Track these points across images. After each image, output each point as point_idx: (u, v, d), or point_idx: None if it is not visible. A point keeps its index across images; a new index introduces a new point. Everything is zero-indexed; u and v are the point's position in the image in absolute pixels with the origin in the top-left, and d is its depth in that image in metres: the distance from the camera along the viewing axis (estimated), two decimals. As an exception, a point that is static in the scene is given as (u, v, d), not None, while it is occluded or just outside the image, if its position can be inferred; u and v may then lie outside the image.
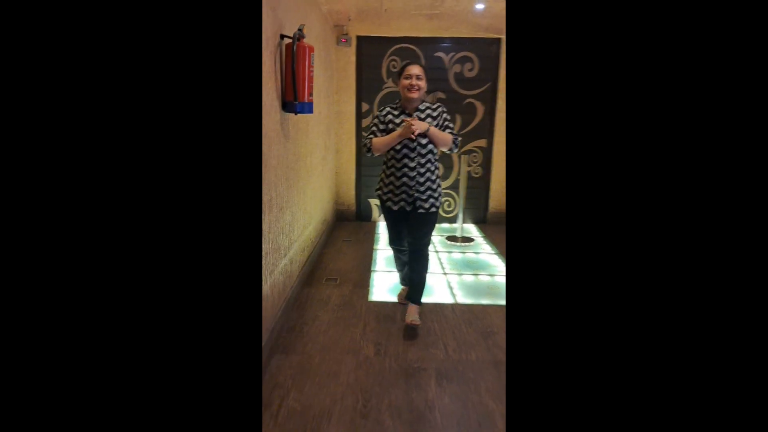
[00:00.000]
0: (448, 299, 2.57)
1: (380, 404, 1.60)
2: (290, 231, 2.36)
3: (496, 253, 3.46)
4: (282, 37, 1.96)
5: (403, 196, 2.12)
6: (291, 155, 2.27)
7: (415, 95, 2.04)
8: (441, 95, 4.10)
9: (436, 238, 3.84)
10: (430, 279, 2.40)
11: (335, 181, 4.29)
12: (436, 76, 4.02)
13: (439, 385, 1.73)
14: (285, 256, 2.25)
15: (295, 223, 2.46)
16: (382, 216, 2.40)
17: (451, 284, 2.81)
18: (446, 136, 2.09)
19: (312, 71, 2.02)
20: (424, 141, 2.06)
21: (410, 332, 2.16)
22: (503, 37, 3.94)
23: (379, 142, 2.09)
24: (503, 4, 3.03)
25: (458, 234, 3.85)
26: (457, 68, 4.07)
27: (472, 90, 4.12)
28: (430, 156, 2.10)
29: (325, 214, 3.69)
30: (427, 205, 2.12)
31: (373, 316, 2.33)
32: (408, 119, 2.01)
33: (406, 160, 2.09)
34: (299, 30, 1.94)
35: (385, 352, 1.97)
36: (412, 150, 2.07)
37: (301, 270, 2.68)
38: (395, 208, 2.16)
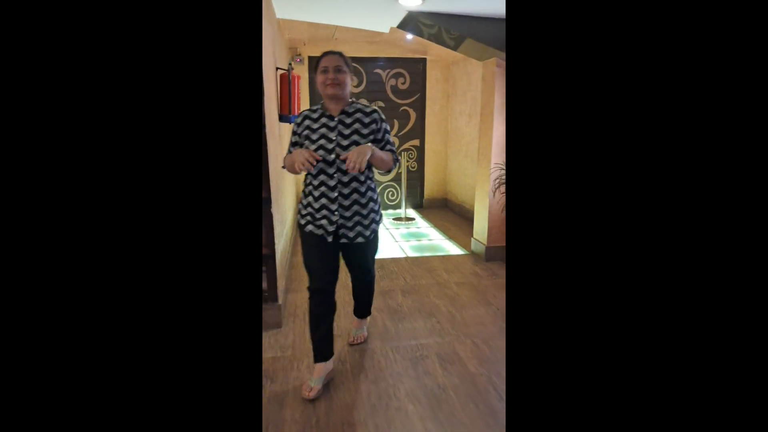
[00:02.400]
0: (401, 255, 3.49)
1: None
2: (280, 227, 2.73)
3: (431, 227, 4.45)
4: (277, 69, 2.76)
5: (324, 222, 1.60)
6: (282, 154, 3.06)
7: (336, 91, 1.54)
8: (381, 104, 5.04)
9: (386, 220, 4.77)
10: (386, 249, 3.15)
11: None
12: (375, 89, 4.97)
13: (404, 296, 2.64)
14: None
15: (282, 221, 3.06)
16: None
17: (402, 247, 3.73)
18: (385, 157, 1.56)
19: (299, 92, 2.84)
20: (345, 154, 1.51)
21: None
22: (428, 57, 4.98)
23: (288, 161, 1.60)
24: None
25: (402, 215, 4.81)
26: (392, 82, 5.04)
27: (406, 99, 5.11)
28: (354, 173, 1.53)
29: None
30: (351, 235, 1.62)
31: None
32: (343, 155, 1.51)
33: (323, 177, 1.56)
34: (290, 65, 2.76)
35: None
36: (330, 164, 1.54)
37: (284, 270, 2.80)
38: (318, 233, 1.63)
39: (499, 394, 1.69)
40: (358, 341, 2.06)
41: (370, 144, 1.54)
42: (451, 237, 4.02)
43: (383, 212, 5.19)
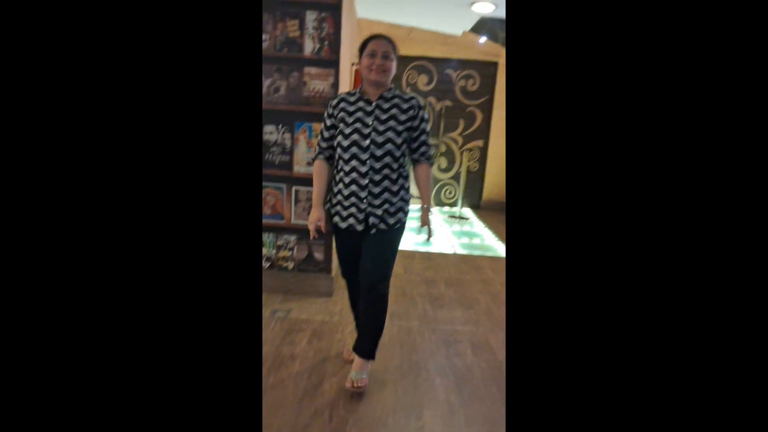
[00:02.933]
0: (450, 251, 3.61)
1: (413, 292, 2.63)
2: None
3: (486, 227, 4.50)
4: (353, 64, 3.00)
5: (353, 210, 1.56)
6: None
7: (381, 78, 1.49)
8: (448, 103, 5.15)
9: (439, 217, 4.89)
10: (435, 244, 3.30)
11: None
12: (445, 88, 5.09)
13: (446, 287, 2.77)
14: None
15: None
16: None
17: (452, 244, 3.85)
18: (427, 183, 1.61)
19: (370, 86, 3.06)
20: (380, 139, 1.50)
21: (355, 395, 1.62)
22: (500, 60, 5.00)
23: (314, 171, 1.63)
24: (502, 37, 4.07)
25: (457, 214, 4.90)
26: (462, 83, 5.13)
27: (473, 101, 5.18)
28: (387, 159, 1.52)
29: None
30: (380, 224, 1.56)
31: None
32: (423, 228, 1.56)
33: (355, 163, 1.53)
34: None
35: (408, 269, 3.01)
36: (364, 150, 1.51)
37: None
38: (343, 225, 1.59)
39: (522, 383, 1.79)
40: (358, 385, 1.59)
41: (424, 209, 1.63)
42: (503, 239, 4.07)
43: (437, 208, 5.31)
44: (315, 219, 1.59)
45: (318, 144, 1.63)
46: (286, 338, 2.01)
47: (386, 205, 1.56)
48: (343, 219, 1.59)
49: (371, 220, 1.56)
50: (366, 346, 1.66)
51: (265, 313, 2.24)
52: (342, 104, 1.57)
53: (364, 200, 1.55)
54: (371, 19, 3.58)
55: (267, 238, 2.44)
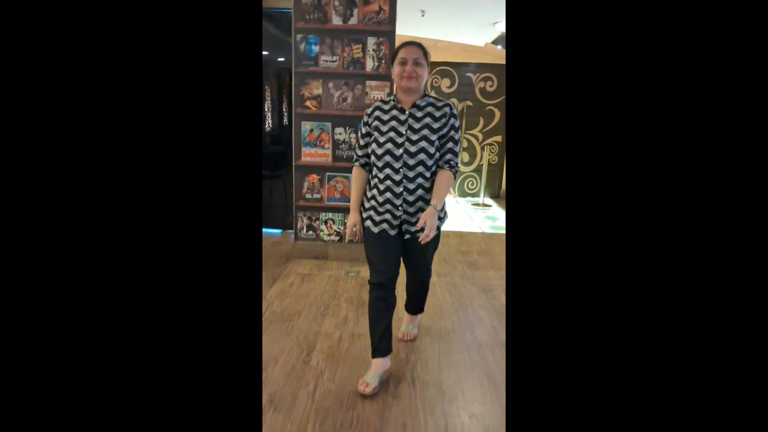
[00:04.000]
0: (478, 231, 4.21)
1: (452, 259, 3.24)
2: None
3: (505, 213, 5.09)
4: (395, 74, 3.61)
5: (387, 216, 1.60)
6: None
7: (412, 84, 1.52)
8: (469, 103, 5.73)
9: (465, 204, 5.47)
10: (465, 226, 3.87)
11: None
12: (465, 90, 5.67)
13: (479, 256, 3.37)
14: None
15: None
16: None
17: (480, 226, 4.44)
18: (446, 189, 1.55)
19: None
20: (413, 149, 1.52)
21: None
22: (515, 63, 5.57)
23: (352, 177, 1.69)
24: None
25: (480, 202, 5.49)
26: (481, 84, 5.70)
27: (492, 100, 5.75)
28: (421, 168, 1.54)
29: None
30: (413, 229, 1.60)
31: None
32: (420, 220, 1.47)
33: (389, 171, 1.56)
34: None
35: (445, 244, 3.61)
36: (397, 158, 1.54)
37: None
38: (376, 230, 1.63)
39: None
40: (408, 338, 2.01)
41: (431, 206, 1.50)
42: (522, 221, 4.65)
43: (462, 199, 5.90)
44: (352, 224, 1.67)
45: (355, 152, 1.69)
46: (361, 288, 2.63)
47: (421, 213, 1.56)
48: (376, 224, 1.62)
49: (405, 227, 1.60)
50: (415, 307, 2.02)
51: (341, 272, 2.87)
52: (376, 113, 1.61)
53: (399, 207, 1.58)
54: (403, 35, 4.18)
55: (337, 216, 3.07)
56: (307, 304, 2.39)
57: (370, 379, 1.64)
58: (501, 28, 3.28)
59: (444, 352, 1.98)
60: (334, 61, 2.86)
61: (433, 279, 2.85)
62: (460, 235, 3.94)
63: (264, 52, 3.51)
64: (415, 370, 1.82)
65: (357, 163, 1.69)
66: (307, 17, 2.81)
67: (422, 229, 1.49)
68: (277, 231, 3.71)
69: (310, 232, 3.12)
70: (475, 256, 3.39)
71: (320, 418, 1.52)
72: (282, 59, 3.60)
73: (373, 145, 1.59)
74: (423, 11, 3.13)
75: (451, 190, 5.86)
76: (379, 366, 1.67)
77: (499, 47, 4.77)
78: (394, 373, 1.79)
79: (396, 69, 1.55)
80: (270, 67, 3.66)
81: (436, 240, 1.67)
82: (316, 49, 2.85)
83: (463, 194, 6.05)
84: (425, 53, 1.55)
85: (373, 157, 1.60)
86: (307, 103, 2.93)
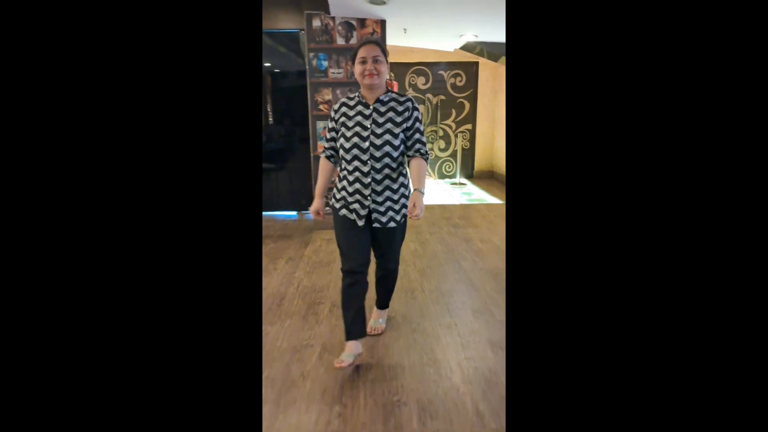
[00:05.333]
0: (457, 202, 5.12)
1: (438, 224, 4.13)
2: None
3: (479, 189, 6.03)
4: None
5: (356, 206, 1.71)
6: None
7: (374, 81, 1.60)
8: (442, 97, 6.62)
9: (444, 184, 6.39)
10: (446, 200, 4.78)
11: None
12: (438, 86, 6.56)
13: (459, 220, 4.28)
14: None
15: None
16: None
17: (458, 199, 5.36)
18: (424, 173, 1.65)
19: (396, 93, 4.52)
20: (378, 141, 1.62)
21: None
22: (479, 61, 6.49)
23: (319, 168, 1.81)
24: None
25: (456, 182, 6.42)
26: (452, 80, 6.60)
27: (462, 93, 6.66)
28: (387, 159, 1.64)
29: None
30: (384, 219, 1.72)
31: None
32: (410, 210, 1.56)
33: (357, 163, 1.66)
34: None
35: (430, 214, 4.50)
36: (364, 151, 1.63)
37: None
38: (351, 217, 1.74)
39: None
40: (376, 332, 2.07)
41: (416, 191, 1.60)
42: (494, 194, 5.59)
43: (442, 180, 6.81)
44: (315, 209, 1.83)
45: (323, 145, 1.80)
46: (374, 245, 3.50)
47: (389, 202, 1.70)
48: (350, 212, 1.73)
49: (375, 216, 1.71)
50: (382, 301, 2.12)
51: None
52: (343, 108, 1.69)
53: (368, 197, 1.68)
54: (390, 45, 5.00)
55: (348, 194, 3.92)
56: (335, 257, 3.24)
57: (344, 358, 1.73)
58: (466, 38, 4.16)
59: (441, 277, 2.86)
60: (340, 73, 3.67)
61: (426, 236, 3.74)
62: (443, 207, 4.84)
63: (266, 63, 4.28)
64: (422, 283, 2.71)
65: (323, 155, 1.81)
66: (317, 39, 3.62)
67: (392, 220, 1.72)
68: (294, 214, 4.52)
69: (327, 209, 3.95)
70: (456, 220, 4.30)
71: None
72: (277, 70, 4.38)
73: (341, 140, 1.68)
74: (405, 29, 3.97)
75: (431, 172, 6.76)
76: (353, 348, 1.77)
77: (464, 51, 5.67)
78: (408, 292, 2.67)
79: (357, 68, 1.62)
80: (284, 79, 4.44)
81: (402, 230, 1.82)
82: (325, 63, 3.66)
83: (442, 176, 6.96)
84: (383, 50, 1.63)
85: (341, 151, 1.69)
86: (320, 106, 3.74)
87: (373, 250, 1.85)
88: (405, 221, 1.80)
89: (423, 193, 1.61)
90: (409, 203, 1.58)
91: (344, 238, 1.77)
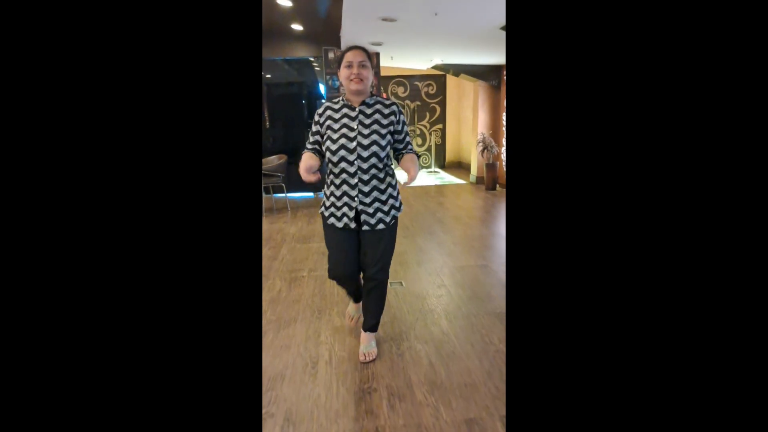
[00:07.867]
0: (433, 184, 6.69)
1: (422, 198, 5.67)
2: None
3: (450, 175, 7.63)
4: (372, 85, 5.98)
5: (345, 209, 1.69)
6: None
7: (360, 86, 1.60)
8: (418, 103, 8.19)
9: (423, 173, 7.96)
10: (426, 182, 6.32)
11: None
12: (415, 93, 8.13)
13: (437, 196, 5.85)
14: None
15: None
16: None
17: (434, 183, 6.93)
18: (416, 164, 1.66)
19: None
20: (365, 141, 1.61)
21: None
22: (447, 74, 8.09)
23: (302, 164, 1.63)
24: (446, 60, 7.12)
25: (432, 170, 8.01)
26: (425, 89, 8.18)
27: (434, 99, 8.25)
28: (374, 159, 1.63)
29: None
30: (373, 221, 1.71)
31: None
32: (406, 183, 1.61)
33: (344, 164, 1.64)
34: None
35: (415, 192, 6.04)
36: (351, 151, 1.62)
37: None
38: (340, 225, 1.72)
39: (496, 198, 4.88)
40: (369, 358, 1.89)
41: (412, 156, 1.70)
42: (461, 178, 7.20)
43: (421, 170, 8.36)
44: (305, 167, 1.64)
45: (306, 145, 1.76)
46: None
47: (377, 203, 1.71)
48: (339, 219, 1.72)
49: (363, 217, 1.71)
50: (371, 324, 1.92)
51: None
52: (328, 112, 1.70)
53: (355, 198, 1.68)
54: (382, 66, 6.50)
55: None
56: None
57: (354, 313, 2.02)
58: (435, 62, 5.76)
59: (424, 235, 4.40)
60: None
61: (412, 202, 5.28)
62: (422, 188, 6.40)
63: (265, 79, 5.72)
64: (412, 225, 4.23)
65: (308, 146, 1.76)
66: (332, 65, 5.09)
67: (381, 221, 1.71)
68: (311, 194, 5.97)
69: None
70: (433, 194, 5.87)
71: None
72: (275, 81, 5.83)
73: (327, 143, 1.66)
74: (392, 56, 5.50)
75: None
76: (357, 307, 2.03)
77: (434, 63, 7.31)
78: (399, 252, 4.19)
79: (343, 72, 1.63)
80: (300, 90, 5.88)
81: (392, 234, 1.78)
82: (337, 83, 5.14)
83: (420, 167, 8.53)
84: (369, 56, 1.65)
85: (328, 154, 1.67)
86: (334, 113, 5.23)
87: (363, 259, 1.80)
88: (395, 224, 1.79)
89: (416, 170, 1.66)
90: (404, 169, 1.66)
91: (332, 246, 1.78)
